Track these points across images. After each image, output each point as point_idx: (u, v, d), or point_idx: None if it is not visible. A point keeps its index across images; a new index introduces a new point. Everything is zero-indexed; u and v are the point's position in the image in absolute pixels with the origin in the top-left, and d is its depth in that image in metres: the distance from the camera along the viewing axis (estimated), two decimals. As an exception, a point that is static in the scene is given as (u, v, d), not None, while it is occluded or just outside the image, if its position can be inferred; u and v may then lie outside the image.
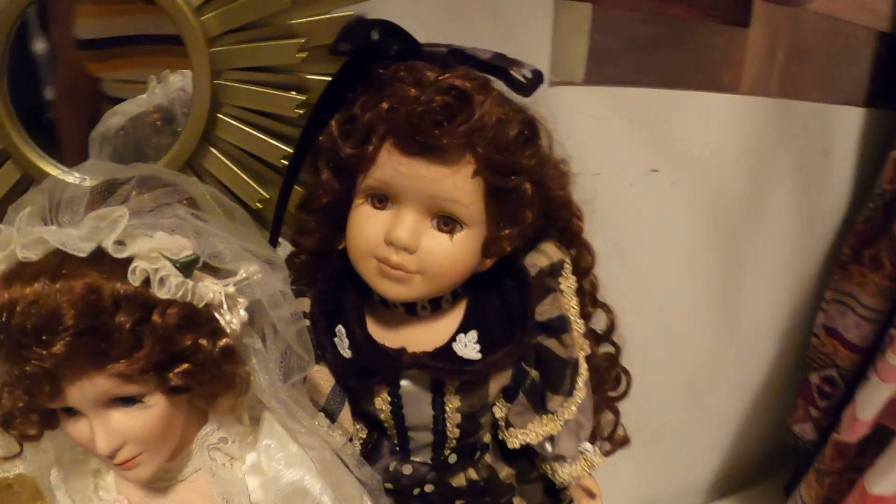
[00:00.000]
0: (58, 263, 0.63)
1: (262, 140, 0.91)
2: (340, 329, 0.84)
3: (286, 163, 0.89)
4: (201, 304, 0.68)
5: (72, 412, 0.69)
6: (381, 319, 0.86)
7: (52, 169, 0.90)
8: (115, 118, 1.00)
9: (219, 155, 0.92)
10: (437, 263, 0.78)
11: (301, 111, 0.89)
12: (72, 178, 0.77)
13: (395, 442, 0.91)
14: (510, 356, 0.85)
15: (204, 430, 0.76)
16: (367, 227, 0.79)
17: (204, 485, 0.78)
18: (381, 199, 0.79)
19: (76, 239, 0.65)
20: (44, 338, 0.61)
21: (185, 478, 0.78)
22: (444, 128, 0.73)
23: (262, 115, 0.91)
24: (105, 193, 0.70)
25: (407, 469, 0.91)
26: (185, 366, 0.67)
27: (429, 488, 0.91)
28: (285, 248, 0.93)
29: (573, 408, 0.92)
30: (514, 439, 0.91)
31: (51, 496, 0.81)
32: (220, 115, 0.90)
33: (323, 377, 0.86)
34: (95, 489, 0.80)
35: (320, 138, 0.84)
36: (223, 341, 0.69)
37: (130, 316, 0.63)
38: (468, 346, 0.84)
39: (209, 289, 0.69)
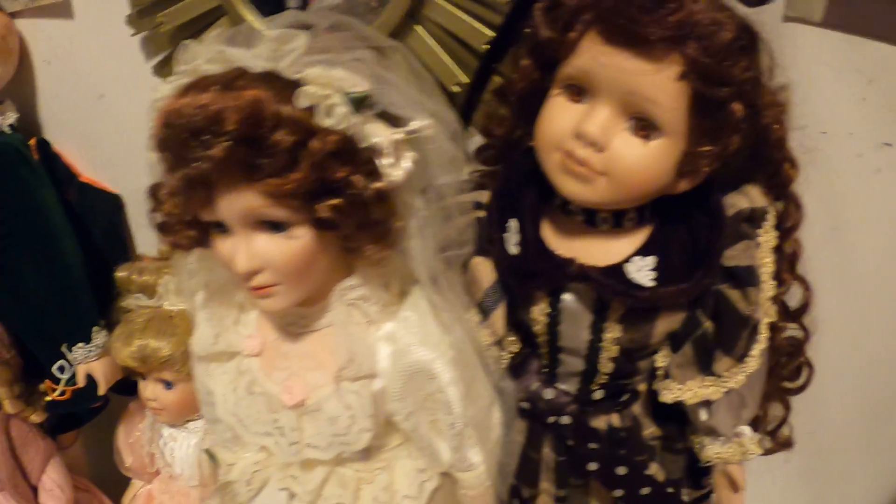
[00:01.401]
0: (233, 77, 0.63)
1: (468, 23, 0.86)
2: (513, 224, 0.78)
3: (488, 47, 0.84)
4: (364, 144, 0.64)
5: (222, 229, 0.68)
6: (558, 226, 0.78)
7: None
8: (332, -4, 1.00)
9: (423, 34, 0.88)
10: (625, 168, 0.70)
11: (509, -3, 0.84)
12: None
13: (545, 362, 0.83)
14: (685, 294, 0.75)
15: (346, 283, 0.72)
16: (559, 118, 0.73)
17: (331, 340, 0.74)
18: (578, 91, 0.72)
19: (252, 56, 0.64)
20: (205, 138, 0.60)
21: (319, 328, 0.75)
22: (652, 14, 0.65)
23: (471, -2, 0.86)
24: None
25: (548, 393, 0.83)
26: (336, 200, 0.64)
27: (565, 420, 0.83)
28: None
29: (741, 376, 0.80)
30: (668, 392, 0.80)
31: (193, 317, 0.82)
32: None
33: (485, 270, 0.79)
34: (235, 322, 0.79)
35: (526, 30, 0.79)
36: (378, 184, 0.65)
37: (289, 136, 0.61)
38: (642, 272, 0.75)
39: (376, 131, 0.65)
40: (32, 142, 1.05)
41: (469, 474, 0.81)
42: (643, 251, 0.76)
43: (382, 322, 0.74)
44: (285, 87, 0.62)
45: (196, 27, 0.94)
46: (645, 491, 0.85)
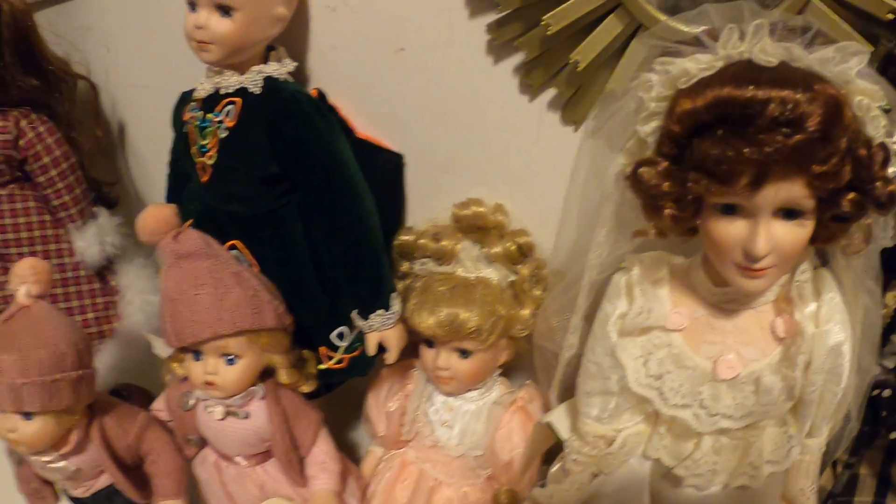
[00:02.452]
0: (805, 77, 0.67)
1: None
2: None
3: (893, 17, 0.83)
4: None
5: (730, 211, 0.71)
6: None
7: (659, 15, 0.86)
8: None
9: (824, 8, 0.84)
10: None
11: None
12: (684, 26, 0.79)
13: (875, 342, 0.94)
14: None
15: (802, 266, 0.77)
16: None
17: (768, 317, 0.79)
18: None
19: (815, 60, 0.69)
20: (789, 129, 0.65)
21: (756, 306, 0.79)
22: None
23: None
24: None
25: (875, 369, 0.93)
26: (859, 196, 0.70)
27: (886, 394, 0.94)
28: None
29: None
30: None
31: (607, 290, 0.83)
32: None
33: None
34: (654, 296, 0.81)
35: None
36: (893, 187, 0.71)
37: (847, 140, 0.67)
38: None
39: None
40: (313, 92, 0.97)
41: (815, 440, 0.89)
42: None
43: (810, 301, 0.80)
44: (844, 94, 0.68)
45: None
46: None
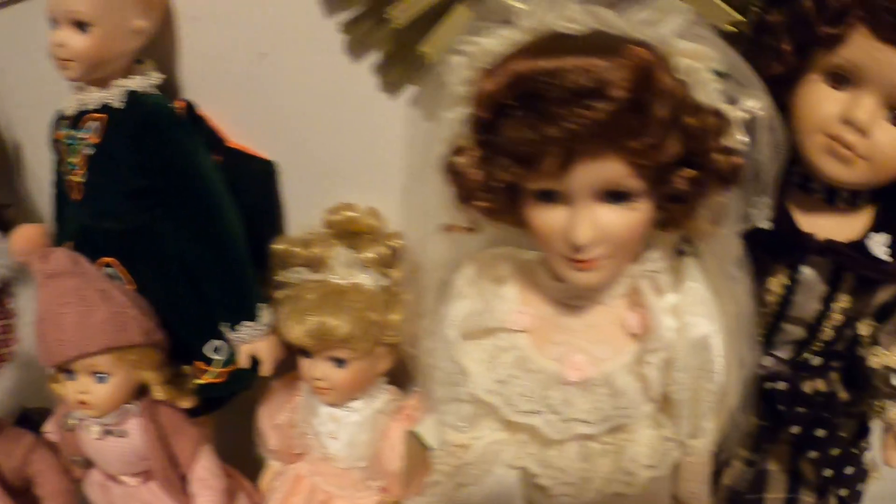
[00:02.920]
0: (611, 41, 0.60)
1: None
2: (763, 199, 0.81)
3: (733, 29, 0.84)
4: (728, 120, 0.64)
5: (549, 198, 0.65)
6: (797, 203, 0.81)
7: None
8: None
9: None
10: (886, 154, 0.74)
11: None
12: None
13: (763, 332, 0.87)
14: (917, 268, 0.82)
15: (650, 255, 0.71)
16: (824, 103, 0.76)
17: (620, 312, 0.73)
18: (840, 79, 0.76)
19: (626, 21, 0.62)
20: (590, 100, 0.57)
21: (606, 301, 0.73)
22: None
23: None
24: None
25: (767, 361, 0.86)
26: (695, 172, 0.63)
27: (781, 386, 0.86)
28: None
29: (942, 341, 0.89)
30: (876, 357, 0.86)
31: (445, 293, 0.78)
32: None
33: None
34: (496, 295, 0.76)
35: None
36: (736, 160, 0.64)
37: (668, 108, 0.59)
38: (879, 247, 0.80)
39: (729, 109, 0.65)
40: (178, 104, 0.95)
41: (700, 441, 0.83)
42: (877, 228, 0.81)
43: (667, 293, 0.74)
44: (661, 57, 0.60)
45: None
46: (835, 452, 0.91)
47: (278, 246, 0.97)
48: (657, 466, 0.80)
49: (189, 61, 0.98)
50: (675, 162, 0.63)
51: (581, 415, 0.75)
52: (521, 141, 0.61)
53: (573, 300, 0.74)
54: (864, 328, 0.87)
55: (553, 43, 0.61)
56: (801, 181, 0.81)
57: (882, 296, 0.84)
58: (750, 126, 0.68)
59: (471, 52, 0.66)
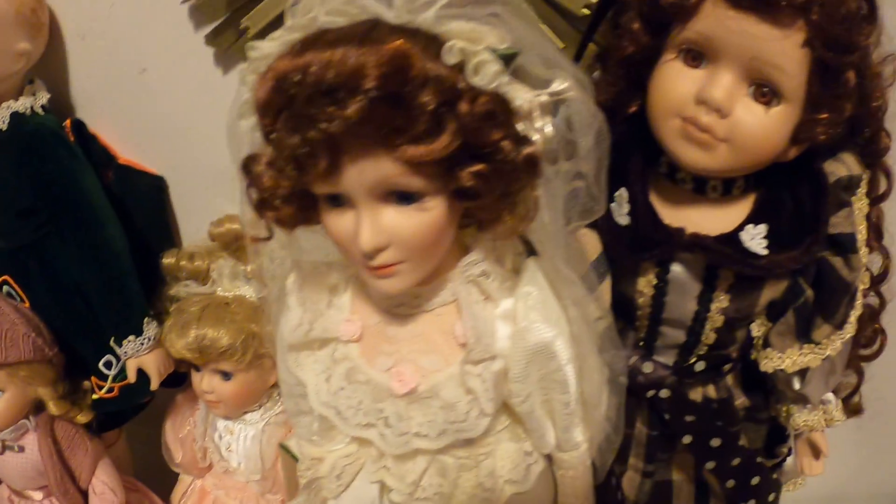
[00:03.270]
0: (366, 30, 0.55)
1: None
2: (621, 193, 0.74)
3: (587, 12, 0.80)
4: (513, 105, 0.57)
5: (337, 202, 0.60)
6: (665, 194, 0.75)
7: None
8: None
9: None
10: (748, 134, 0.67)
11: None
12: None
13: (641, 336, 0.80)
14: (796, 260, 0.73)
15: (468, 259, 0.66)
16: (678, 83, 0.69)
17: (449, 320, 0.68)
18: (696, 55, 0.69)
19: (388, 8, 0.57)
20: (340, 95, 0.52)
21: (432, 309, 0.68)
22: None
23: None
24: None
25: (648, 367, 0.80)
26: (481, 166, 0.57)
27: (664, 394, 0.80)
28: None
29: (838, 343, 0.79)
30: (769, 361, 0.79)
31: (281, 303, 0.76)
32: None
33: (591, 242, 0.75)
34: (328, 306, 0.73)
35: None
36: (529, 149, 0.58)
37: (435, 96, 0.53)
38: (755, 240, 0.72)
39: (520, 93, 0.60)
40: (67, 123, 0.96)
41: (572, 454, 0.77)
42: (753, 219, 0.73)
43: (500, 299, 0.70)
44: (428, 42, 0.55)
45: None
46: (735, 461, 0.83)
47: (168, 260, 0.96)
48: (519, 481, 0.76)
49: (79, 79, 0.99)
50: (461, 155, 0.57)
51: (417, 428, 0.70)
52: (289, 146, 0.57)
53: (398, 308, 0.70)
54: (757, 329, 0.80)
55: (313, 40, 0.57)
56: (668, 171, 0.75)
57: (768, 293, 0.76)
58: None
59: (253, 58, 0.63)
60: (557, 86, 0.61)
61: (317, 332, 0.71)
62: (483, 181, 0.58)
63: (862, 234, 0.80)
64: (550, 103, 0.61)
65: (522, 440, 0.76)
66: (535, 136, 0.60)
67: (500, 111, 0.57)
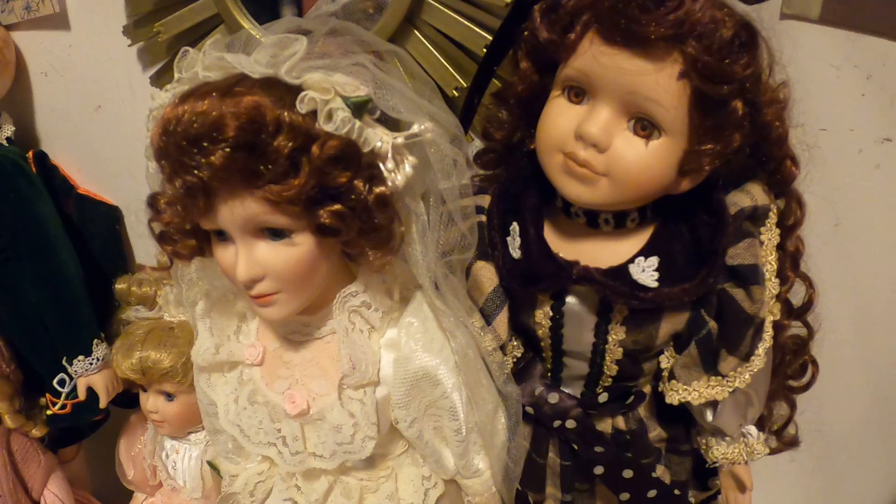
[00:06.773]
0: (232, 83, 0.62)
1: (466, 27, 0.85)
2: (515, 227, 0.77)
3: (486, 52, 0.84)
4: (367, 149, 0.63)
5: (223, 237, 0.66)
6: (560, 228, 0.77)
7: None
8: (329, 5, 1.00)
9: (421, 38, 0.87)
10: (627, 168, 0.69)
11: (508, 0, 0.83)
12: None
13: (548, 366, 0.82)
14: (689, 293, 0.74)
15: (347, 289, 0.71)
16: (559, 119, 0.72)
17: (336, 347, 0.73)
18: (578, 92, 0.71)
19: (252, 62, 0.63)
20: (205, 145, 0.59)
21: (322, 336, 0.74)
22: (651, 13, 0.64)
23: (467, 2, 0.85)
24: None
25: (553, 397, 0.82)
26: (337, 206, 0.63)
27: (570, 424, 0.82)
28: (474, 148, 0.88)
29: (747, 376, 0.79)
30: (674, 393, 0.79)
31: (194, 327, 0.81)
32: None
33: (487, 275, 0.78)
34: (237, 332, 0.78)
35: (524, 32, 0.79)
36: (380, 189, 0.64)
37: (290, 141, 0.60)
38: (645, 272, 0.74)
39: (377, 136, 0.63)
40: (30, 154, 1.04)
41: (475, 480, 0.80)
42: (645, 251, 0.75)
43: (385, 329, 0.73)
44: (285, 92, 0.61)
45: (193, 36, 0.93)
46: (651, 493, 0.84)
47: (119, 285, 1.03)
48: (418, 506, 0.79)
49: (43, 113, 1.08)
50: (320, 195, 0.62)
51: (312, 448, 0.76)
52: (174, 187, 0.63)
53: (293, 335, 0.75)
54: (665, 361, 0.81)
55: (190, 92, 0.63)
56: (563, 206, 0.78)
57: (668, 326, 0.78)
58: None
59: (153, 106, 0.69)
60: (416, 128, 0.65)
61: (222, 355, 0.77)
62: (339, 219, 0.64)
63: (772, 264, 0.80)
64: (407, 145, 0.64)
65: (422, 465, 0.79)
66: (394, 176, 0.64)
67: (350, 154, 0.63)
